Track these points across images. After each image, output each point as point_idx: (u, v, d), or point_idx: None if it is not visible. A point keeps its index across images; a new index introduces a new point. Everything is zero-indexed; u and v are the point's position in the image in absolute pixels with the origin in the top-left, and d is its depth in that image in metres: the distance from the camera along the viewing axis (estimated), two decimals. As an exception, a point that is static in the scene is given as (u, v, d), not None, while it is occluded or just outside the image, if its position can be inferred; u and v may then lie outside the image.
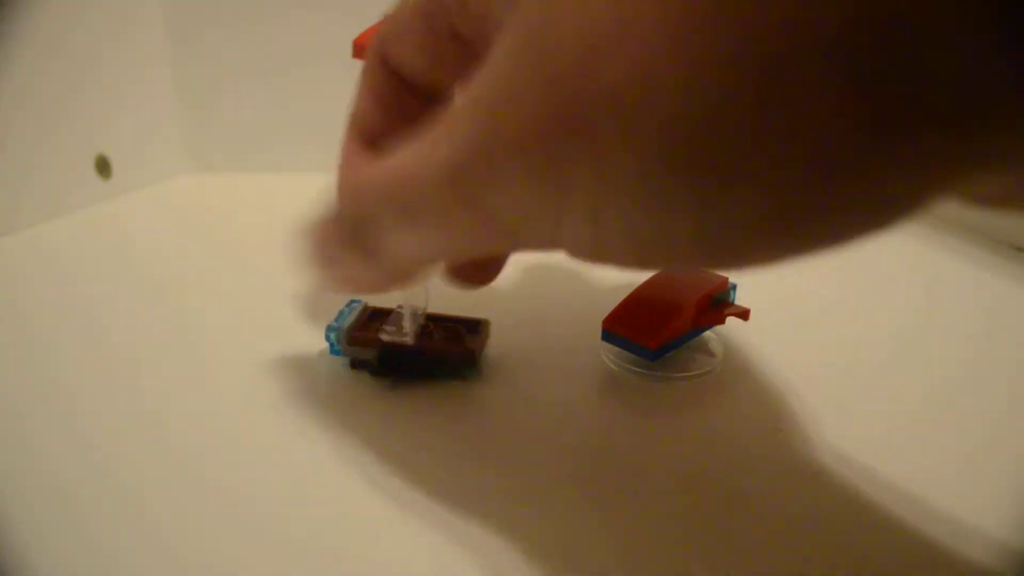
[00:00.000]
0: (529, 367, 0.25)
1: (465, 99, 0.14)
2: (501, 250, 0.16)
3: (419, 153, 0.15)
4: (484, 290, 0.27)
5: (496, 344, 0.26)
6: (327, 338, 0.24)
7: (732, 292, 0.26)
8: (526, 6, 0.13)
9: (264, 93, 0.40)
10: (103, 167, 0.36)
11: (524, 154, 0.13)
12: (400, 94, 0.21)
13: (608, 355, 0.26)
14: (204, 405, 0.22)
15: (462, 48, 0.19)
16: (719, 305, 0.26)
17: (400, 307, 0.24)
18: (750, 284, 0.27)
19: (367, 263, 0.18)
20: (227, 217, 0.37)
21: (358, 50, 0.30)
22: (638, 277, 0.26)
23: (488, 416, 0.23)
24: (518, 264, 0.31)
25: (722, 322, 0.26)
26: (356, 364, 0.24)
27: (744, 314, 0.26)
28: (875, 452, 0.22)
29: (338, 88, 0.40)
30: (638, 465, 0.21)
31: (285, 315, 0.28)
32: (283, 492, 0.19)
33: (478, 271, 0.22)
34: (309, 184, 0.40)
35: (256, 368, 0.24)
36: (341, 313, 0.25)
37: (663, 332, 0.24)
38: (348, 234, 0.18)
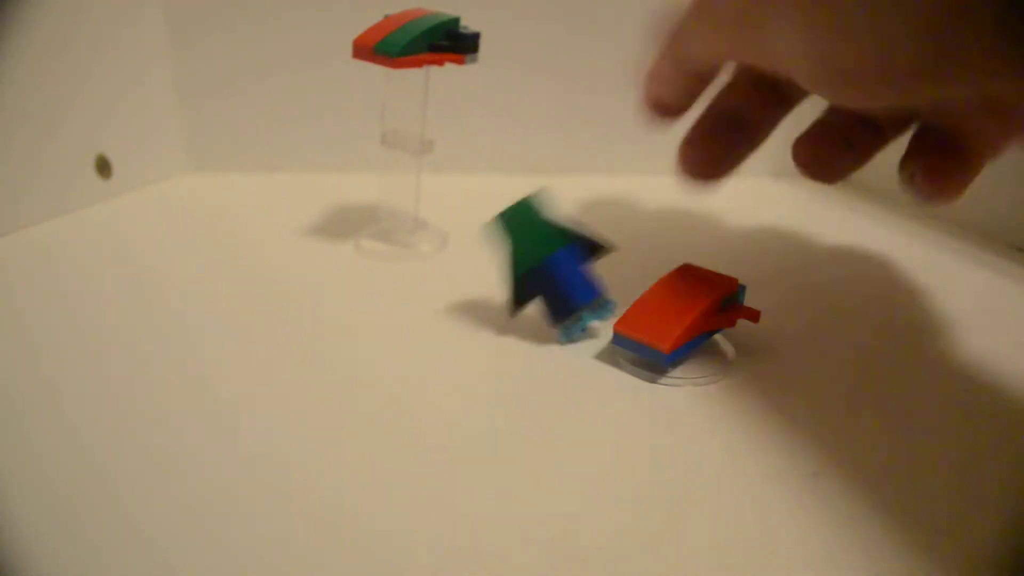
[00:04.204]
0: (541, 370, 0.25)
1: None
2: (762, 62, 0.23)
3: None
4: (501, 294, 0.27)
5: (506, 349, 0.26)
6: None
7: (742, 294, 0.27)
8: None
9: (264, 93, 0.40)
10: (103, 167, 0.36)
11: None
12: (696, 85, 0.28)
13: (619, 358, 0.26)
14: (202, 406, 0.22)
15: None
16: (729, 308, 0.26)
17: None
18: (760, 286, 0.27)
19: (676, 65, 0.27)
20: (227, 217, 0.37)
21: (358, 50, 0.30)
22: (647, 281, 0.26)
23: (495, 420, 0.23)
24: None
25: (733, 324, 0.26)
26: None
27: (754, 316, 0.26)
28: (881, 453, 0.22)
29: (339, 88, 0.40)
30: (648, 468, 0.21)
31: (284, 316, 0.28)
32: (275, 494, 0.19)
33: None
34: (309, 184, 0.41)
35: (256, 369, 0.24)
36: None
37: (676, 336, 0.24)
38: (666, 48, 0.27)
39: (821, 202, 0.44)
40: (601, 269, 0.27)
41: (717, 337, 0.27)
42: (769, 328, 0.27)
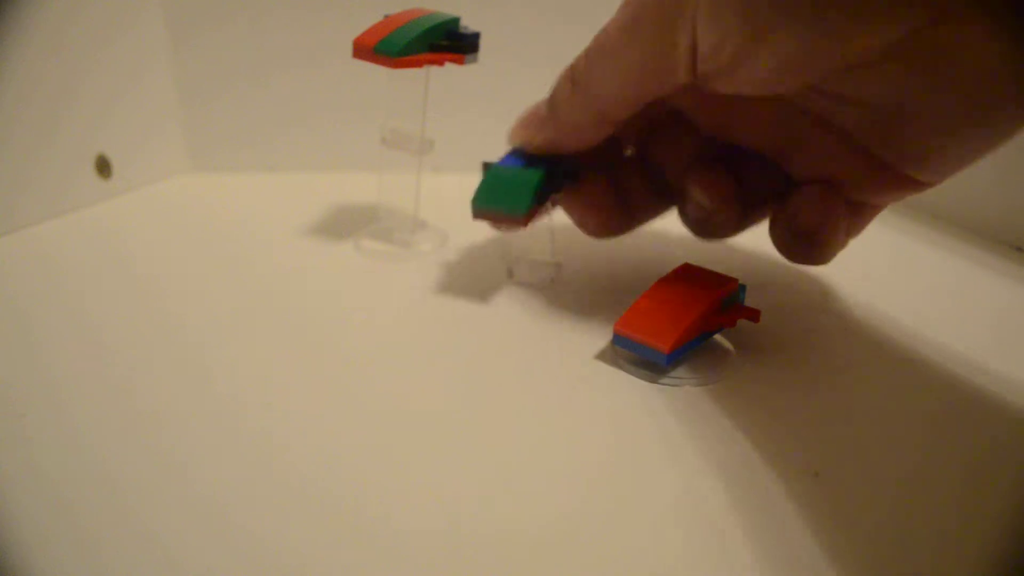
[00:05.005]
0: (540, 369, 0.25)
1: None
2: (670, 79, 0.24)
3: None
4: (502, 294, 0.26)
5: (506, 349, 0.26)
6: None
7: (742, 294, 0.27)
8: None
9: (264, 93, 0.40)
10: (103, 167, 0.36)
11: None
12: None
13: (619, 359, 0.26)
14: (202, 405, 0.22)
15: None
16: (730, 307, 0.26)
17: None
18: (760, 286, 0.27)
19: (577, 95, 0.26)
20: (227, 217, 0.37)
21: (358, 50, 0.30)
22: (647, 281, 0.26)
23: (495, 420, 0.23)
24: (525, 265, 0.31)
25: (733, 324, 0.26)
26: None
27: (754, 316, 0.26)
28: (881, 453, 0.22)
29: (338, 88, 0.40)
30: (648, 468, 0.21)
31: (285, 315, 0.28)
32: (277, 492, 0.19)
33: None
34: (309, 184, 0.41)
35: (256, 368, 0.24)
36: None
37: (676, 336, 0.24)
38: (568, 76, 0.27)
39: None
40: (602, 269, 0.27)
41: (717, 337, 0.27)
42: (769, 328, 0.27)
